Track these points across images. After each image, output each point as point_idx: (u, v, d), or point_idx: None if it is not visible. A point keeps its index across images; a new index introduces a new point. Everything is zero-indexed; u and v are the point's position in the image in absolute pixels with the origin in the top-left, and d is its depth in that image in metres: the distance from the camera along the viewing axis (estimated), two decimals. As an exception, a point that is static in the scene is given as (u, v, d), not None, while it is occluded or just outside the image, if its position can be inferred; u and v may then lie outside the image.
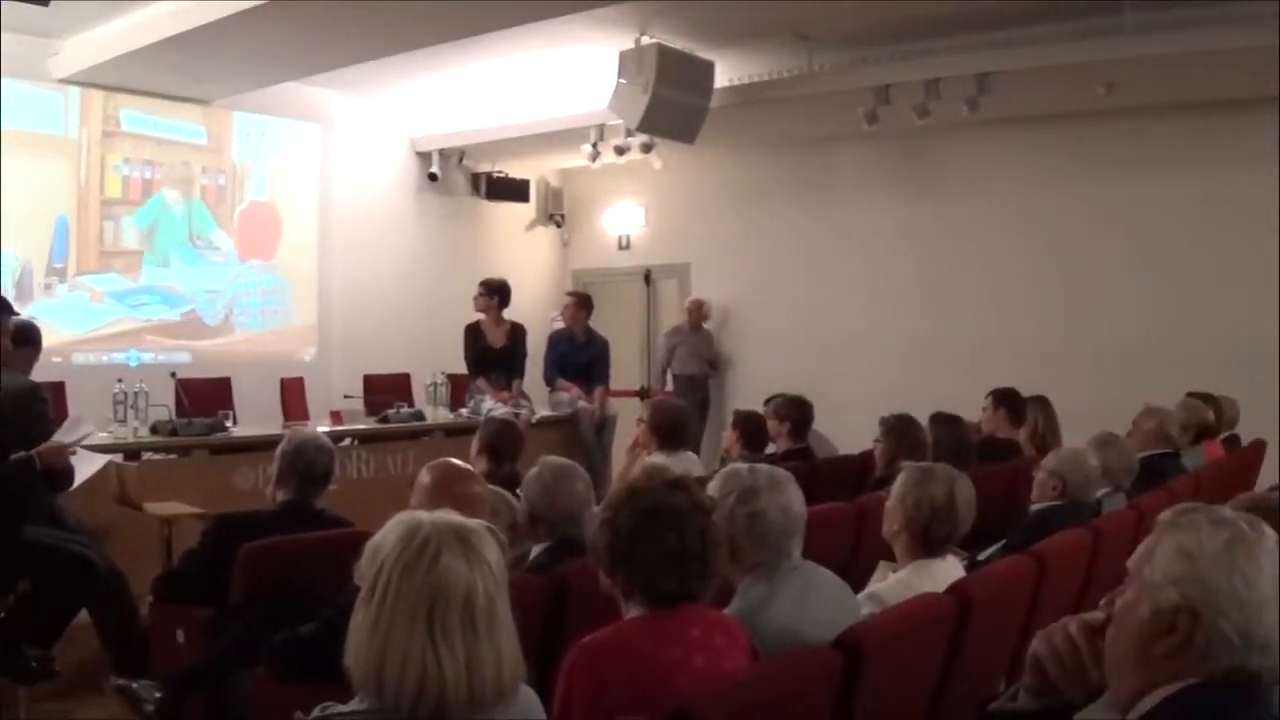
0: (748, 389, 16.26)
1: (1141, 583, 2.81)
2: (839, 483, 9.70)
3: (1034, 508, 7.60)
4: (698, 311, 17.80)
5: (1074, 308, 15.19)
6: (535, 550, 5.87)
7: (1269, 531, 2.85)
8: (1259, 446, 12.22)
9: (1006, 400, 11.12)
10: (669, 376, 17.68)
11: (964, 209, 15.92)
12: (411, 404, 13.53)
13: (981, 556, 6.99)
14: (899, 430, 9.08)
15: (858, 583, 5.59)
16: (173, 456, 11.18)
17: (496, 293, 14.00)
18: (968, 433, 9.83)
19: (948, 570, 5.62)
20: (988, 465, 9.69)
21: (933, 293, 16.08)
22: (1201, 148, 14.52)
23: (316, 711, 3.07)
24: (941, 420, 9.50)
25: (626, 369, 17.14)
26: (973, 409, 10.96)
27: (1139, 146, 14.84)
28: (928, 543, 5.63)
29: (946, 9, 12.40)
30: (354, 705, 3.02)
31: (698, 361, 17.78)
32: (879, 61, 13.76)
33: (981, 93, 13.06)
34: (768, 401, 11.02)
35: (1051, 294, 15.36)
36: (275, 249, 16.13)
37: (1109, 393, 12.85)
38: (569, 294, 15.86)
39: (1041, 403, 11.27)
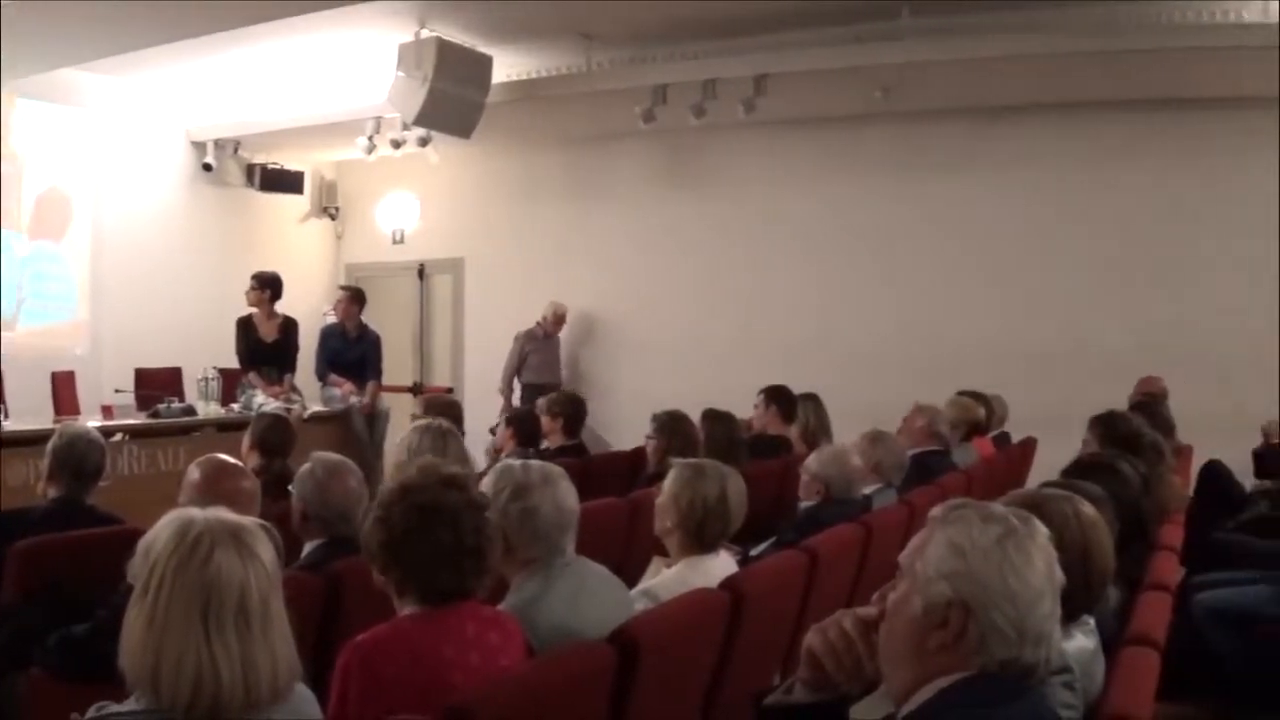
0: (493, 389, 16.30)
1: (914, 578, 2.86)
2: (611, 479, 9.73)
3: (803, 505, 7.65)
4: (556, 318, 17.02)
5: (843, 306, 15.39)
6: (308, 548, 5.80)
7: (1040, 527, 2.93)
8: (1029, 444, 12.50)
9: (778, 397, 11.24)
10: (516, 384, 16.94)
11: (738, 208, 16.04)
12: (183, 399, 13.23)
13: (754, 552, 7.06)
14: (671, 427, 9.12)
15: (631, 579, 5.62)
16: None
17: (268, 286, 13.79)
18: (739, 429, 9.91)
19: (721, 566, 5.66)
20: (759, 462, 9.79)
21: (707, 289, 16.18)
22: (978, 152, 14.82)
23: (92, 711, 2.99)
24: (713, 417, 9.57)
25: (399, 364, 16.99)
26: (747, 405, 11.08)
27: (914, 150, 15.09)
28: (701, 539, 5.65)
29: (725, 10, 12.48)
30: (130, 705, 2.94)
31: (550, 370, 17.02)
32: (657, 61, 13.84)
33: (758, 94, 13.17)
34: (543, 396, 11.03)
35: (823, 292, 15.54)
36: (60, 239, 15.71)
37: (880, 390, 13.09)
38: (341, 288, 15.68)
39: (812, 400, 11.37)
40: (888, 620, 2.91)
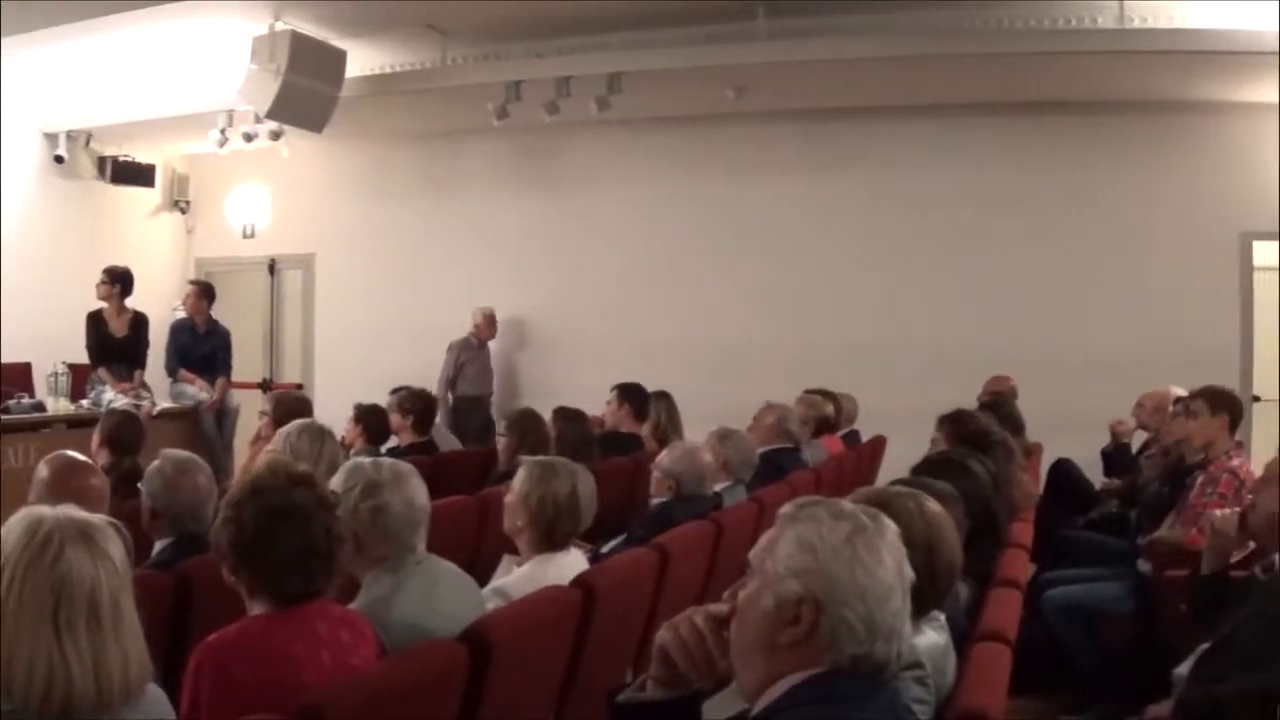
0: (349, 384, 16.09)
1: (764, 575, 2.86)
2: (462, 477, 9.70)
3: (654, 501, 7.65)
4: (489, 325, 16.47)
5: (694, 304, 15.43)
6: (158, 546, 5.72)
7: (889, 524, 2.94)
8: (879, 442, 12.61)
9: (630, 395, 11.26)
10: (449, 396, 16.23)
11: (592, 206, 16.03)
12: (32, 394, 13.01)
13: (605, 549, 7.05)
14: (522, 425, 9.11)
15: (482, 577, 5.59)
16: None
17: (119, 280, 13.57)
18: (590, 427, 9.90)
19: (572, 563, 5.66)
20: (611, 459, 9.79)
21: (558, 286, 16.15)
22: (828, 153, 14.93)
23: (-58, 714, 2.95)
24: (564, 415, 9.55)
25: (249, 360, 16.80)
26: (598, 404, 11.09)
27: (765, 150, 15.16)
28: (552, 537, 5.64)
29: (580, 8, 12.47)
30: (-19, 705, 2.90)
31: (486, 380, 16.55)
32: (512, 58, 13.79)
33: (612, 92, 13.15)
34: (393, 393, 10.96)
35: (674, 291, 15.57)
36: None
37: (730, 388, 13.13)
38: (191, 283, 15.43)
39: (664, 398, 11.40)
40: (739, 617, 2.91)
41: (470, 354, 16.31)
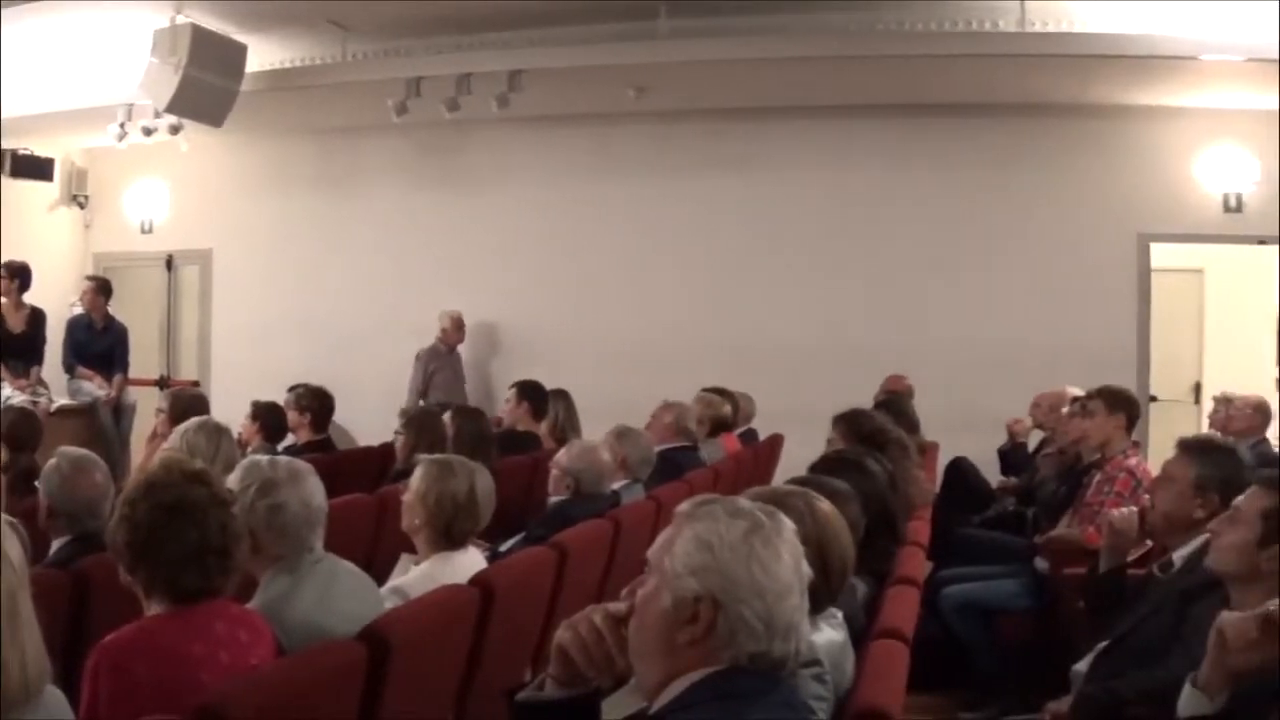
0: (246, 381, 15.92)
1: (662, 573, 2.86)
2: (359, 475, 9.67)
3: (552, 500, 7.65)
4: (456, 330, 15.81)
5: (593, 303, 15.41)
6: (55, 545, 5.67)
7: (786, 521, 2.95)
8: (776, 440, 12.66)
9: (529, 393, 11.27)
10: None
11: (490, 204, 15.94)
12: (-73, 392, 12.87)
13: (503, 548, 7.04)
14: (419, 423, 9.10)
15: (380, 575, 5.57)
16: None
17: (18, 276, 13.45)
18: (488, 425, 9.89)
19: (470, 561, 5.65)
20: (509, 457, 9.78)
21: (461, 285, 16.05)
22: (729, 152, 14.95)
23: None
24: (462, 413, 9.56)
25: (146, 357, 16.66)
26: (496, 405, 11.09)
27: (665, 149, 15.16)
28: (450, 536, 5.64)
29: (482, 6, 12.40)
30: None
31: (459, 387, 15.73)
32: (412, 54, 13.71)
33: (512, 90, 13.09)
34: (291, 390, 10.91)
35: (574, 289, 15.55)
36: None
37: (628, 386, 13.12)
38: (88, 279, 15.29)
39: (562, 396, 11.41)
40: (637, 615, 2.91)
41: (440, 361, 15.70)
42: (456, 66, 13.25)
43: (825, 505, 4.01)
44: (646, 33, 12.38)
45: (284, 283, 16.87)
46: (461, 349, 15.66)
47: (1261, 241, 14.77)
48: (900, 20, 12.11)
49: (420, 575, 5.51)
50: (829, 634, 3.91)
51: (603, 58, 12.72)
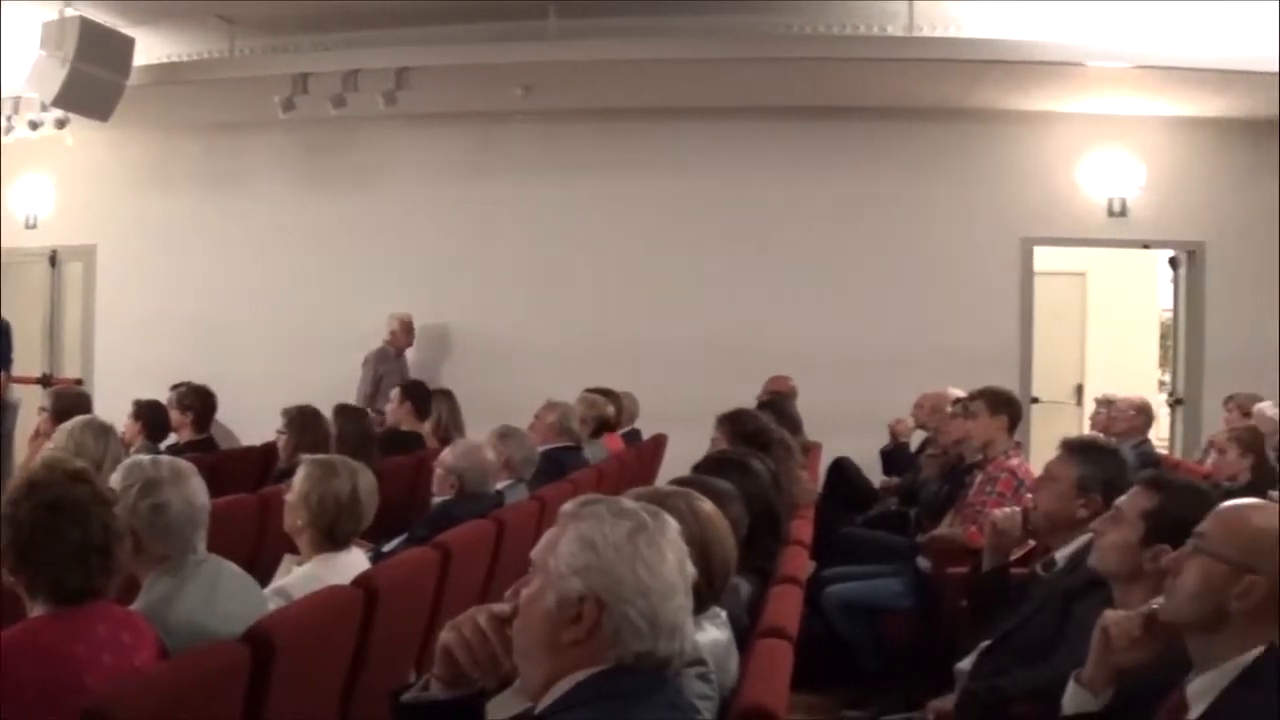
0: (129, 380, 15.71)
1: (546, 573, 2.86)
2: (241, 475, 9.61)
3: (436, 500, 7.63)
4: (405, 333, 15.35)
5: (477, 301, 15.34)
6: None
7: (670, 521, 2.96)
8: (660, 440, 12.68)
9: (413, 393, 11.24)
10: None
11: (376, 201, 15.85)
12: None
13: (386, 548, 7.00)
14: (302, 422, 9.04)
15: (263, 576, 5.53)
16: None
17: (-98, 272, 13.29)
18: (371, 424, 9.90)
19: (353, 562, 5.62)
20: (392, 457, 9.75)
21: (349, 283, 15.95)
22: (616, 153, 14.94)
23: None
24: (345, 412, 9.51)
25: (29, 355, 16.45)
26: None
27: (552, 149, 15.13)
28: (333, 536, 5.60)
29: (370, 4, 12.34)
30: None
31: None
32: (300, 50, 13.62)
33: (400, 87, 13.02)
34: (174, 389, 10.82)
35: (459, 287, 15.47)
36: None
37: (512, 386, 13.10)
38: (-31, 276, 15.15)
39: (446, 396, 11.39)
40: (522, 616, 2.91)
41: (388, 365, 15.22)
42: (344, 63, 13.16)
43: (707, 505, 4.02)
44: (535, 32, 12.36)
45: (168, 279, 16.69)
46: (410, 352, 15.40)
47: (1145, 245, 15.05)
48: (788, 23, 12.17)
49: (304, 576, 5.47)
50: (713, 633, 3.92)
51: (491, 56, 12.67)
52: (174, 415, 10.37)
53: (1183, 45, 11.72)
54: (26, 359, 15.80)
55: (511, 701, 3.10)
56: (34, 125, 14.33)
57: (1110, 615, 3.80)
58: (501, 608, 3.02)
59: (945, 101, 13.90)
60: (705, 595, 3.72)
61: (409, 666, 5.75)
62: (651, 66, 12.70)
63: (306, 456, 6.04)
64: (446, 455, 7.77)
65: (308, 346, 15.44)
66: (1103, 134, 14.45)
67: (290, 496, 5.70)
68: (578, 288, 15.07)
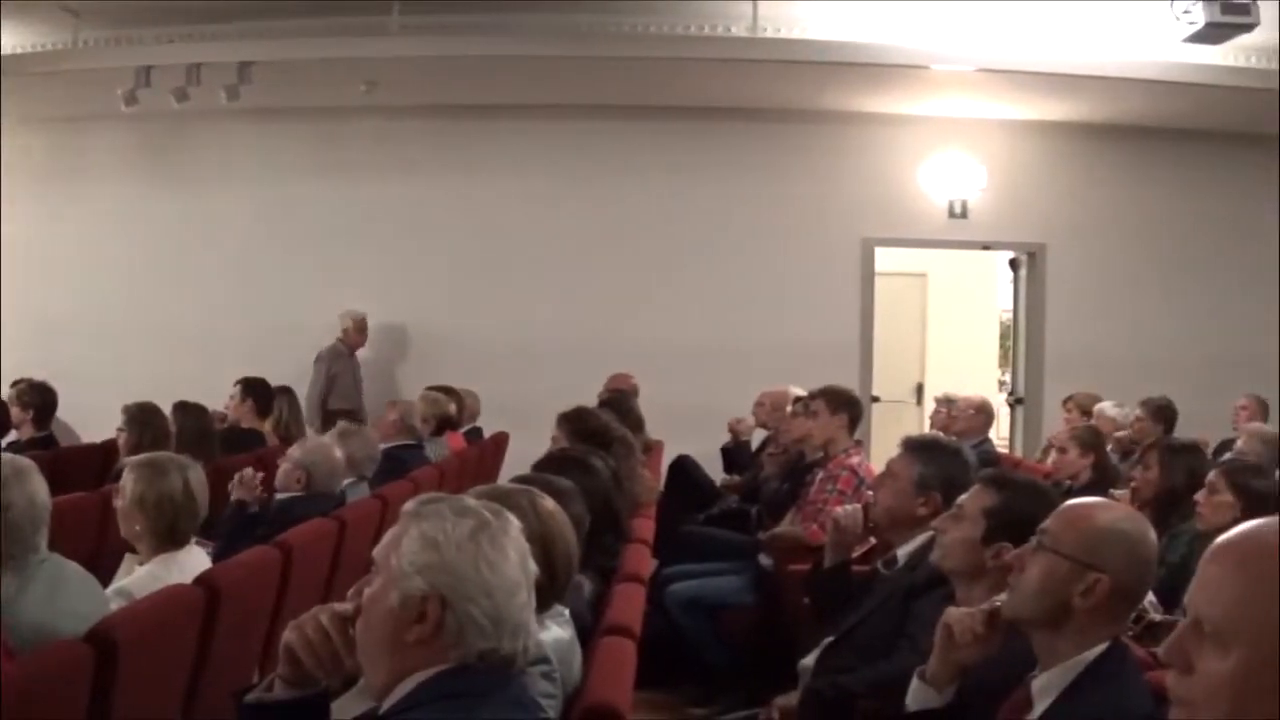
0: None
1: (389, 572, 2.85)
2: (82, 473, 9.48)
3: (279, 498, 7.56)
4: (359, 332, 14.87)
5: (311, 299, 15.16)
6: None
7: (512, 519, 2.97)
8: (501, 438, 12.67)
9: (254, 390, 11.14)
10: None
11: (219, 197, 15.63)
12: None
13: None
14: (142, 419, 8.90)
15: (104, 575, 5.46)
16: None
17: None
18: (211, 422, 9.78)
19: (194, 561, 5.56)
20: (232, 455, 9.65)
21: (186, 278, 15.74)
22: (460, 149, 14.88)
23: None
24: (184, 409, 9.39)
25: None
26: (216, 396, 10.92)
27: (396, 145, 15.02)
28: (173, 536, 5.53)
29: (212, -5, 12.24)
30: None
31: (358, 392, 14.76)
32: (143, 42, 13.41)
33: (242, 81, 12.87)
34: (13, 386, 10.67)
35: (297, 285, 15.30)
36: None
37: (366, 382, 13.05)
38: None
39: (286, 393, 11.32)
40: (364, 615, 2.90)
41: (341, 364, 14.76)
42: (186, 56, 12.99)
43: (549, 503, 4.04)
44: (379, 27, 12.28)
45: (10, 275, 16.39)
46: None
47: (986, 247, 15.27)
48: (634, 23, 12.17)
49: (145, 575, 5.40)
50: (556, 632, 3.95)
51: (333, 51, 12.56)
52: (14, 412, 10.25)
53: (1026, 50, 11.90)
54: None
55: (356, 701, 3.10)
56: (-128, 119, 14.04)
57: (953, 612, 3.84)
58: (344, 607, 3.01)
59: (789, 102, 14.00)
60: (548, 593, 3.75)
61: (252, 666, 5.72)
62: (495, 63, 12.65)
63: (130, 459, 5.96)
64: (294, 450, 7.75)
65: (148, 342, 15.22)
66: (945, 136, 14.67)
67: (122, 501, 5.60)
68: (419, 284, 14.97)
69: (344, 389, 14.46)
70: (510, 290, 14.69)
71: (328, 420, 13.16)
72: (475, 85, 13.77)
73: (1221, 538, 2.30)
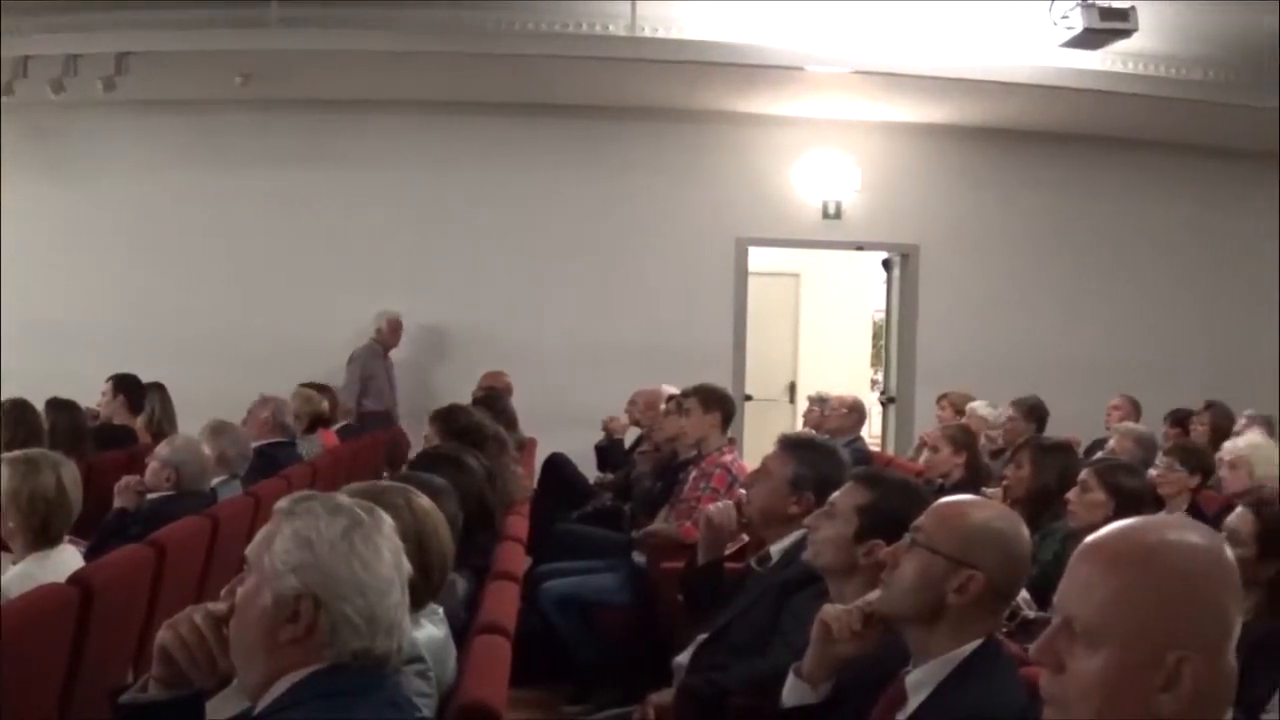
0: None
1: (262, 571, 2.84)
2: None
3: (150, 497, 7.47)
4: (393, 332, 14.58)
5: (191, 294, 14.99)
6: None
7: (385, 518, 2.97)
8: (376, 436, 12.60)
9: (126, 386, 11.02)
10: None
11: (96, 188, 15.41)
12: None
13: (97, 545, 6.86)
14: (15, 416, 8.77)
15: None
16: None
17: None
18: (84, 418, 9.66)
19: (67, 559, 5.52)
20: (105, 452, 9.56)
21: (68, 275, 15.50)
22: (337, 144, 14.73)
23: None
24: (57, 406, 9.28)
25: None
26: (91, 396, 10.80)
27: (273, 139, 14.86)
28: (47, 534, 5.49)
29: (91, -17, 12.07)
30: None
31: (391, 392, 14.58)
32: (21, 32, 13.20)
33: (120, 72, 12.72)
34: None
35: (172, 280, 15.12)
36: None
37: (224, 381, 12.87)
38: None
39: (158, 390, 11.20)
40: (238, 615, 2.89)
41: (377, 363, 14.59)
42: (63, 46, 12.81)
43: (424, 501, 4.03)
44: (256, 19, 12.16)
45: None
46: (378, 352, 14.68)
47: (859, 247, 15.42)
48: (511, 20, 12.14)
49: (18, 575, 5.34)
50: (430, 630, 3.94)
51: (210, 43, 12.42)
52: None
53: (902, 52, 12.02)
54: None
55: (231, 700, 3.07)
56: None
57: (829, 609, 3.86)
58: (218, 606, 3.01)
59: (667, 101, 14.07)
60: (423, 592, 3.76)
61: (127, 666, 5.65)
62: (371, 58, 12.57)
63: (4, 455, 5.88)
64: (162, 449, 7.62)
65: (32, 337, 14.94)
66: (820, 137, 14.79)
67: (-7, 498, 5.53)
68: (281, 283, 14.80)
69: (378, 390, 14.35)
70: (384, 286, 14.56)
71: (364, 420, 13.57)
72: (353, 80, 13.69)
73: (1091, 537, 2.33)
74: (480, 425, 7.59)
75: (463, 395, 10.58)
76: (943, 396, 12.58)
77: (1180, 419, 11.42)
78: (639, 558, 8.60)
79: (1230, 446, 8.03)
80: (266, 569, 2.82)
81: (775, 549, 5.57)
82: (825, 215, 14.94)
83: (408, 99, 14.44)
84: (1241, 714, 2.30)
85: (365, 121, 14.74)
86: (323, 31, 12.15)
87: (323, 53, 12.42)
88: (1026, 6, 10.94)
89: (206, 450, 7.80)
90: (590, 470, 12.21)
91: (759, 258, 15.22)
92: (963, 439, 9.11)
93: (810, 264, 17.51)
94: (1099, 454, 9.21)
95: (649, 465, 10.46)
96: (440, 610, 4.08)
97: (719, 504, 6.43)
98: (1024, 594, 4.99)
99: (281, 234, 14.88)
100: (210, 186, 15.01)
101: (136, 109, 14.59)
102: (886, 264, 15.66)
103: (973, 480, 8.40)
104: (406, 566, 2.93)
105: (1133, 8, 10.16)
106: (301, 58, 12.60)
